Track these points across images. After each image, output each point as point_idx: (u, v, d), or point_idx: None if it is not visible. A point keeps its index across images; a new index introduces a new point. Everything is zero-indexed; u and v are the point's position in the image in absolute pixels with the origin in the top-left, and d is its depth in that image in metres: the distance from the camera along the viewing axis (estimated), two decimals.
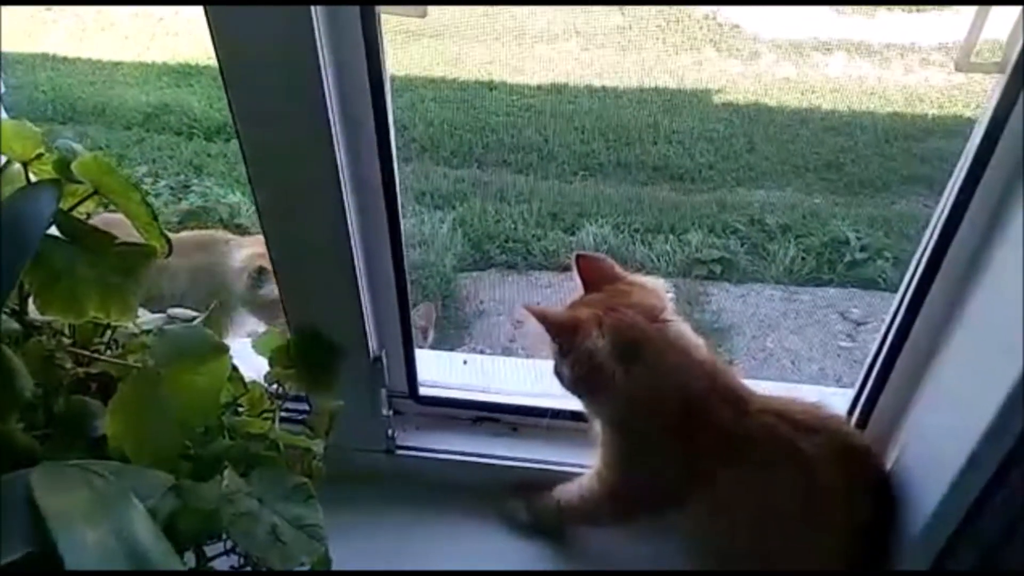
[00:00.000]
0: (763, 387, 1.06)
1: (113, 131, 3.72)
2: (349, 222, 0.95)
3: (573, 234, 3.17)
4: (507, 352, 2.82)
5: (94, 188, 0.71)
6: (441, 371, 1.28)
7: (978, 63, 0.78)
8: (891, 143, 3.37)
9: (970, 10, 0.81)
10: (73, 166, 0.69)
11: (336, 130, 0.88)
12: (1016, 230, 0.83)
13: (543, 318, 1.01)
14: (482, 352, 2.77)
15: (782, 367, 2.73)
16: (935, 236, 0.93)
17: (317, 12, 0.80)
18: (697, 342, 1.02)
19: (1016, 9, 0.76)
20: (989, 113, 0.82)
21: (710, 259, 3.07)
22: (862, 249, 3.03)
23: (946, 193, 0.91)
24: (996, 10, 0.77)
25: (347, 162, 0.93)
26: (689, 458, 1.00)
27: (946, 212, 0.90)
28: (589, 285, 1.07)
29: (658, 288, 1.05)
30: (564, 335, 1.00)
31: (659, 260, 3.06)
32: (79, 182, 0.71)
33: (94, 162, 0.69)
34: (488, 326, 2.92)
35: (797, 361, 2.75)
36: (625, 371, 0.97)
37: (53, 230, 0.68)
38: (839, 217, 3.18)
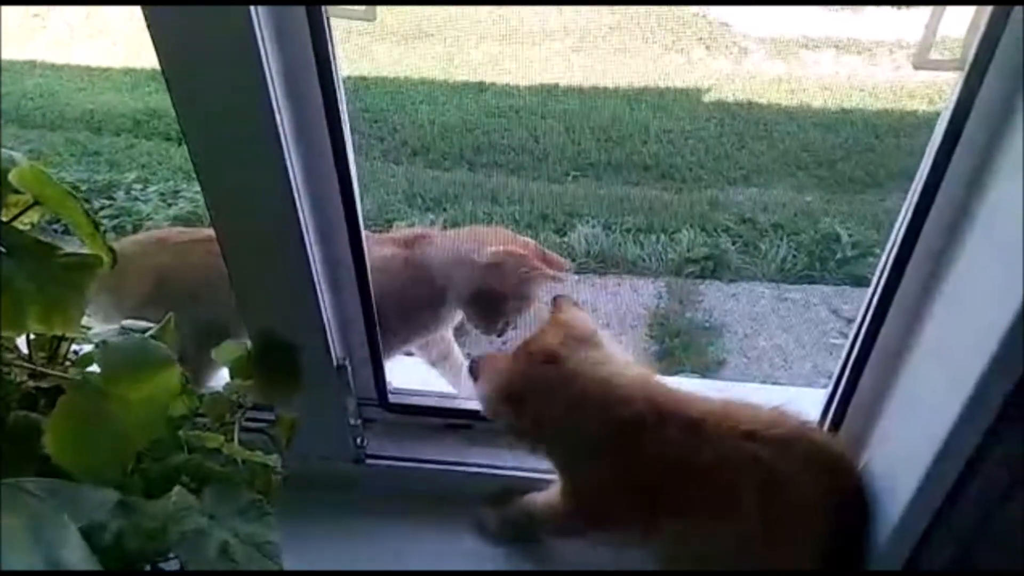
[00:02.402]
0: (748, 388, 1.05)
1: (103, 137, 3.70)
2: (303, 225, 0.94)
3: (564, 235, 3.15)
4: None
5: (35, 199, 0.70)
6: (411, 378, 1.26)
7: (936, 60, 0.77)
8: (881, 139, 3.35)
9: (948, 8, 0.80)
10: (11, 176, 0.67)
11: (284, 130, 0.87)
12: (981, 224, 0.82)
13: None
14: (469, 355, 2.75)
15: (774, 365, 2.72)
16: (902, 232, 0.92)
17: (258, 13, 0.79)
18: (615, 371, 1.03)
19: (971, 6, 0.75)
20: (950, 110, 0.81)
21: (701, 258, 3.06)
22: (853, 246, 3.02)
23: (911, 189, 0.90)
24: (952, 8, 0.76)
25: (298, 162, 0.92)
26: (642, 490, 1.00)
27: (912, 208, 0.89)
28: None
29: (570, 322, 1.09)
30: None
31: (650, 259, 3.05)
32: (21, 193, 0.70)
33: (31, 172, 0.67)
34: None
35: (789, 359, 2.74)
36: (517, 417, 1.05)
37: None
38: (830, 214, 3.17)
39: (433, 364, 1.45)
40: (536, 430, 1.05)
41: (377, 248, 1.29)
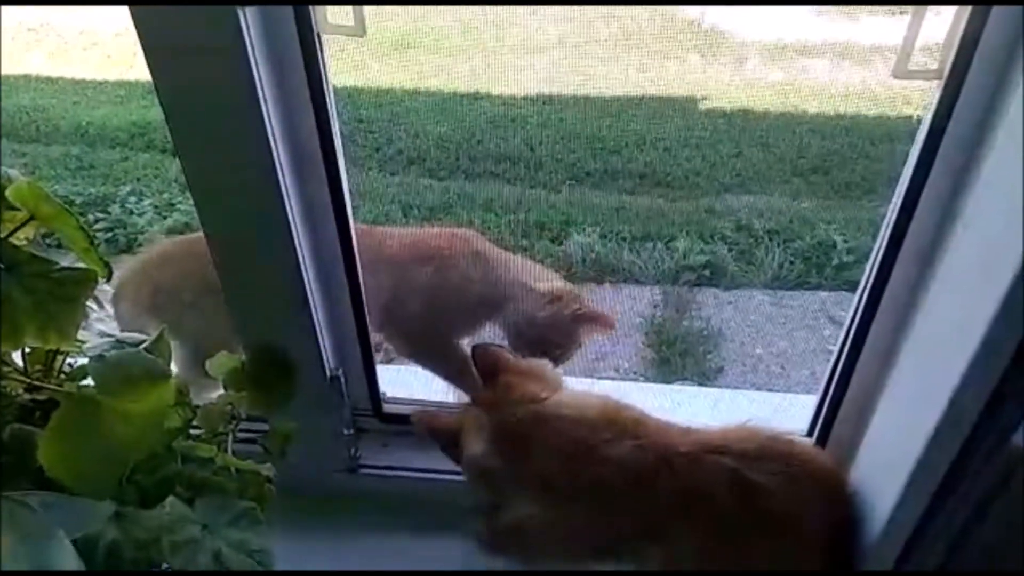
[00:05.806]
0: (744, 395, 1.06)
1: (97, 151, 3.71)
2: (295, 237, 0.94)
3: (560, 244, 3.15)
4: None
5: (30, 214, 0.71)
6: (405, 388, 1.27)
7: (916, 71, 0.78)
8: (877, 145, 3.35)
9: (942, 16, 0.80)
10: (8, 193, 0.68)
11: (275, 141, 0.88)
12: (962, 227, 0.83)
13: (430, 430, 1.09)
14: None
15: (772, 372, 2.73)
16: (887, 236, 0.93)
17: (248, 25, 0.79)
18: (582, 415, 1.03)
19: (950, 15, 0.75)
20: (930, 114, 0.81)
21: (698, 265, 3.06)
22: (849, 252, 3.02)
23: (896, 196, 0.91)
24: (930, 18, 0.77)
25: (289, 173, 0.93)
26: (618, 533, 1.02)
27: (896, 213, 0.90)
28: (485, 378, 1.11)
29: (537, 369, 1.11)
30: (449, 445, 1.08)
31: (647, 267, 3.05)
32: (16, 209, 0.71)
33: (28, 188, 0.68)
34: (477, 338, 2.91)
35: (787, 366, 2.74)
36: (515, 469, 1.03)
37: None
38: (826, 221, 3.17)
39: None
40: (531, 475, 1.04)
41: (424, 239, 1.32)
